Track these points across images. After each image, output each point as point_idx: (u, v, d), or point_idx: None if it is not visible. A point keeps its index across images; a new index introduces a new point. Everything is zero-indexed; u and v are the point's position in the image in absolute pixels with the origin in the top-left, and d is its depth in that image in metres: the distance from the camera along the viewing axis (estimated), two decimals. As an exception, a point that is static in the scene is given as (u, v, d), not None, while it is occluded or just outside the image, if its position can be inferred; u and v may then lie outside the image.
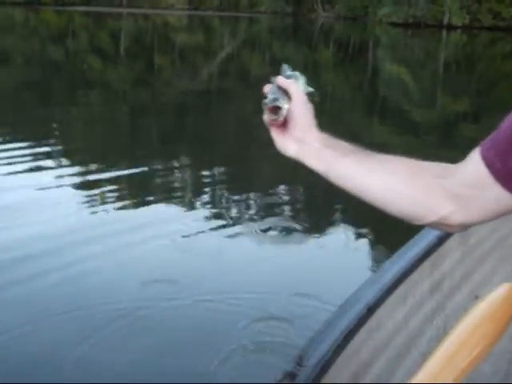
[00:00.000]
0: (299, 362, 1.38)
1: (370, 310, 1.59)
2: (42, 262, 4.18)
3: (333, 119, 11.04)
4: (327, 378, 1.36)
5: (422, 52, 28.76)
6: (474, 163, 0.89)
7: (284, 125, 1.04)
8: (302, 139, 1.03)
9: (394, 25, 43.10)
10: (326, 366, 1.38)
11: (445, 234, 1.95)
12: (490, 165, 0.86)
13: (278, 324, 3.47)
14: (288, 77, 1.08)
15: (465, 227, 0.95)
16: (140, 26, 41.10)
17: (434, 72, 20.75)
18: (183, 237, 4.90)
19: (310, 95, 1.08)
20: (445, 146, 8.01)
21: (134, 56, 22.44)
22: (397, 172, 0.97)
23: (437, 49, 31.16)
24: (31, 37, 29.18)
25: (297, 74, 1.10)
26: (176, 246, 4.68)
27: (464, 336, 1.28)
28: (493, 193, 0.87)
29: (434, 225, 0.96)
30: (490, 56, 27.15)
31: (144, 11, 52.00)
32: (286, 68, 1.11)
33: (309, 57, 23.60)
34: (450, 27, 42.64)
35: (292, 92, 1.04)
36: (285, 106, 1.03)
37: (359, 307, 1.56)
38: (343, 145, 1.03)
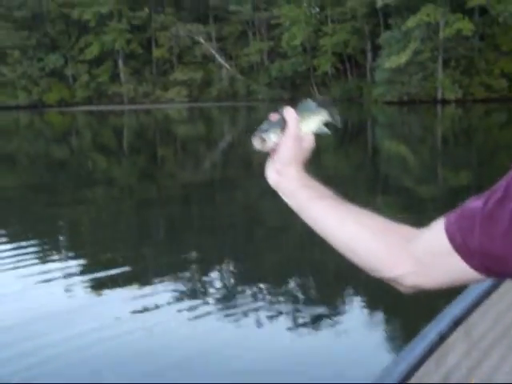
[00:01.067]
0: None
1: None
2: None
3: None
4: None
5: (419, 128, 29.26)
6: (438, 233, 0.92)
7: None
8: (281, 173, 1.06)
9: (390, 103, 44.08)
10: None
11: (447, 330, 1.96)
12: (451, 238, 0.90)
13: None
14: (302, 112, 1.08)
15: (417, 289, 0.98)
16: (142, 122, 42.12)
17: (433, 146, 21.04)
18: (196, 329, 4.85)
19: (321, 134, 1.10)
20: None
21: (136, 150, 22.88)
22: (366, 225, 1.00)
23: (433, 124, 31.72)
24: (36, 138, 29.89)
25: (314, 110, 1.10)
26: (194, 339, 4.63)
27: None
28: (451, 263, 0.91)
29: (388, 281, 0.99)
30: (487, 127, 27.59)
31: (145, 107, 53.47)
32: (304, 103, 1.11)
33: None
34: (444, 102, 43.58)
35: (288, 127, 1.05)
36: (271, 138, 1.04)
37: None
38: (320, 188, 1.06)
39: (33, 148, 24.92)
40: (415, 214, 9.73)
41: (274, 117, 1.08)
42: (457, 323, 2.02)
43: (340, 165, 16.98)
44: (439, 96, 44.69)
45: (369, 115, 39.35)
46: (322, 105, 1.12)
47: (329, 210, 1.03)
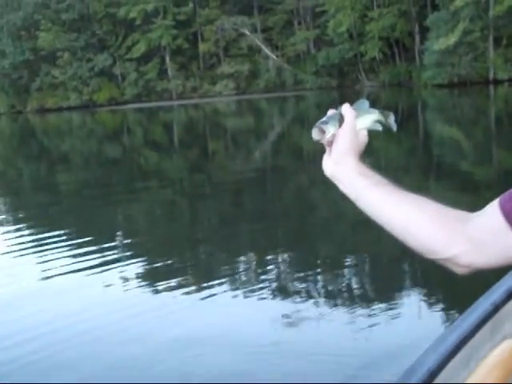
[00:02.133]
0: None
1: (432, 375, 1.61)
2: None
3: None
4: None
5: (471, 110, 28.60)
6: (493, 212, 0.96)
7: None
8: (338, 163, 1.12)
9: (440, 86, 43.21)
10: None
11: (500, 301, 1.96)
12: (507, 215, 0.93)
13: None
14: (358, 110, 1.17)
15: (472, 269, 1.02)
16: (191, 116, 42.51)
17: (487, 128, 20.54)
18: (250, 320, 4.89)
19: (374, 130, 1.19)
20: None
21: (187, 145, 23.12)
22: (422, 209, 1.05)
23: (486, 105, 30.95)
24: (89, 137, 30.53)
25: (368, 109, 1.19)
26: (247, 331, 4.68)
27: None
28: (507, 240, 0.94)
29: (444, 261, 1.03)
30: (543, 106, 26.75)
31: (194, 101, 53.91)
32: (360, 102, 1.20)
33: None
34: (497, 82, 42.42)
35: (346, 120, 1.13)
36: (330, 130, 1.13)
37: (422, 373, 1.60)
38: (376, 176, 1.12)
39: (86, 147, 25.47)
40: (471, 196, 9.55)
41: (331, 111, 1.16)
42: (511, 294, 2.00)
43: (392, 150, 16.76)
44: (491, 76, 43.52)
45: (419, 99, 38.67)
46: (378, 109, 1.22)
47: (385, 196, 1.08)
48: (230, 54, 59.29)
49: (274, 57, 57.88)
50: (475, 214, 1.02)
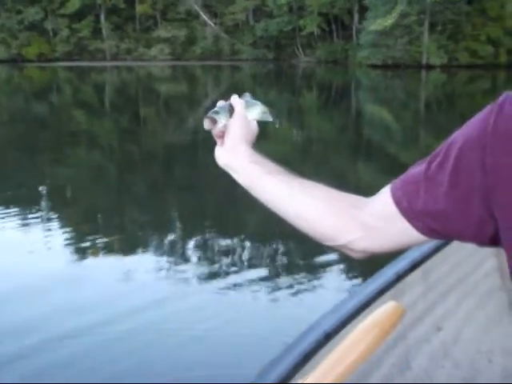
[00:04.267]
0: (258, 377, 1.51)
1: (328, 336, 1.67)
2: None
3: (319, 161, 11.13)
4: None
5: (402, 92, 29.22)
6: (385, 199, 0.98)
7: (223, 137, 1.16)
8: (232, 151, 1.14)
9: (374, 67, 43.89)
10: (284, 381, 1.48)
11: (404, 270, 2.04)
12: (397, 202, 0.96)
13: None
14: (246, 102, 1.20)
15: (367, 254, 1.04)
16: (124, 79, 41.57)
17: (416, 112, 21.05)
18: (177, 292, 4.85)
19: (265, 122, 1.21)
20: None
21: (118, 108, 22.63)
22: (315, 196, 1.05)
23: (417, 89, 31.69)
24: (15, 93, 29.39)
25: (254, 102, 1.22)
26: (170, 302, 4.64)
27: (350, 342, 1.57)
28: (398, 226, 0.96)
29: (340, 247, 1.05)
30: (470, 93, 27.61)
31: (127, 64, 52.71)
32: (246, 95, 1.23)
33: (292, 101, 23.90)
34: (429, 67, 43.46)
35: (236, 110, 1.16)
36: (221, 120, 1.15)
37: (318, 333, 1.66)
38: (270, 164, 1.13)
39: (11, 103, 24.52)
40: (395, 177, 9.76)
41: (221, 102, 1.19)
42: (415, 266, 2.08)
43: (323, 127, 16.94)
44: (424, 61, 44.53)
45: (353, 78, 39.19)
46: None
47: (279, 183, 1.09)
48: (168, 17, 58.16)
49: (212, 24, 57.18)
50: (369, 199, 1.03)
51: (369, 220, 1.00)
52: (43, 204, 8.34)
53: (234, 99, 1.19)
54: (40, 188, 9.23)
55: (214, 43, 56.80)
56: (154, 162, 11.47)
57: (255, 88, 31.88)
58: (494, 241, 0.91)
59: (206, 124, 1.15)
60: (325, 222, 1.04)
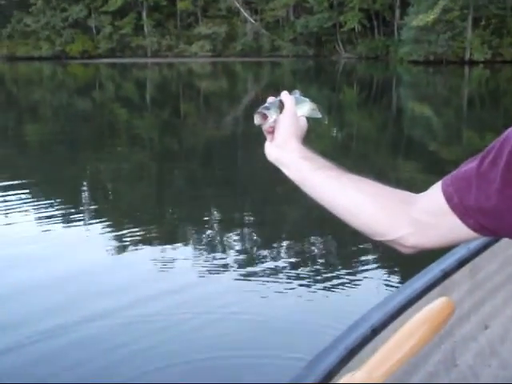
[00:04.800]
0: (304, 371, 1.52)
1: (375, 331, 1.68)
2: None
3: (359, 158, 11.07)
4: None
5: (444, 89, 28.78)
6: (436, 195, 0.99)
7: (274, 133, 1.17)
8: (282, 147, 1.15)
9: (416, 63, 43.33)
10: (328, 377, 1.49)
11: (451, 268, 2.02)
12: (448, 198, 0.96)
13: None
14: (296, 98, 1.21)
15: (417, 250, 1.04)
16: (165, 75, 41.96)
17: (459, 108, 20.72)
18: (212, 283, 4.92)
19: (314, 119, 1.23)
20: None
21: (159, 104, 22.85)
22: (366, 192, 1.06)
23: (460, 85, 31.17)
24: (59, 90, 29.96)
25: (304, 98, 1.23)
26: (209, 296, 4.70)
27: (398, 337, 1.58)
28: (449, 223, 0.97)
29: (390, 243, 1.06)
30: (515, 90, 27.05)
31: (168, 60, 53.17)
32: (296, 91, 1.24)
33: (333, 97, 23.78)
34: (472, 63, 42.71)
35: (286, 106, 1.17)
36: (272, 115, 1.16)
37: (365, 328, 1.66)
38: (320, 159, 1.14)
39: (56, 99, 25.00)
40: (437, 175, 9.64)
41: (271, 99, 1.19)
42: (462, 263, 2.06)
43: (363, 123, 16.83)
44: (467, 56, 43.79)
45: (394, 74, 38.76)
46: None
47: (330, 179, 1.10)
48: (208, 14, 58.44)
49: (253, 21, 57.22)
50: (419, 195, 1.05)
51: (419, 216, 1.01)
52: (85, 198, 8.51)
53: (285, 95, 1.19)
54: (82, 182, 9.41)
55: (255, 39, 56.84)
56: (194, 157, 11.57)
57: (295, 84, 31.80)
58: None
59: (257, 119, 1.16)
60: (375, 217, 1.05)
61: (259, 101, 1.19)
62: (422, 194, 1.04)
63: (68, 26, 59.21)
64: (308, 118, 1.22)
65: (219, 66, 48.49)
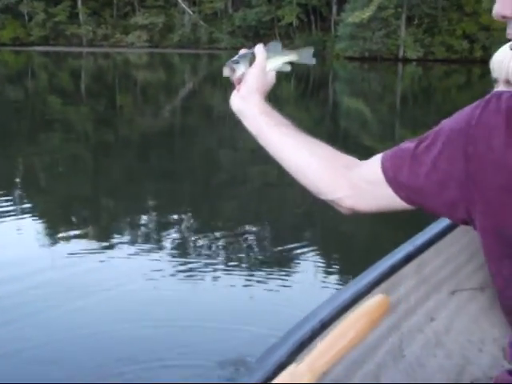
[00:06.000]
0: (257, 363, 1.57)
1: (324, 325, 1.73)
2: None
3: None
4: (280, 379, 1.52)
5: (379, 85, 29.39)
6: (375, 165, 1.10)
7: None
8: (246, 99, 1.21)
9: (351, 59, 44.04)
10: (279, 369, 1.54)
11: (398, 263, 2.10)
12: (385, 171, 1.08)
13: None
14: (269, 51, 1.24)
15: (355, 212, 1.15)
16: (100, 65, 41.13)
17: (392, 104, 21.22)
18: (148, 279, 4.89)
19: (282, 71, 1.29)
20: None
21: (94, 94, 22.43)
22: (315, 152, 1.16)
23: (393, 82, 31.89)
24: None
25: (278, 52, 1.26)
26: (142, 288, 4.67)
27: (341, 330, 1.68)
28: (384, 192, 1.08)
29: (331, 202, 1.17)
30: (446, 88, 27.89)
31: (104, 50, 52.11)
32: (272, 43, 1.27)
33: (270, 90, 23.87)
34: (405, 60, 43.74)
35: (256, 61, 1.22)
36: (240, 69, 1.21)
37: (314, 322, 1.71)
38: (279, 116, 1.22)
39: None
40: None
41: (244, 51, 1.24)
42: (409, 259, 2.15)
43: (300, 117, 16.99)
44: (401, 54, 44.81)
45: (330, 69, 39.27)
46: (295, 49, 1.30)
47: (285, 136, 1.18)
48: (146, 4, 57.57)
49: (191, 12, 56.77)
50: (361, 162, 1.15)
51: (358, 181, 1.11)
52: (15, 192, 8.27)
53: (258, 49, 1.23)
54: (12, 174, 9.15)
55: (192, 31, 56.42)
56: (130, 149, 11.44)
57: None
58: (465, 222, 1.04)
59: (226, 71, 1.21)
60: (319, 177, 1.14)
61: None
62: (363, 161, 1.15)
63: (-2, 12, 57.22)
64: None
65: (156, 57, 47.91)
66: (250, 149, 10.99)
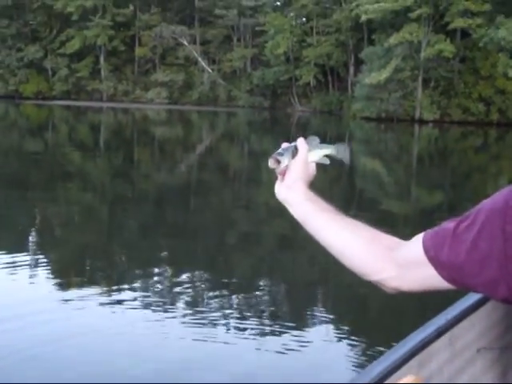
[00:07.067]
0: None
1: None
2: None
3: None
4: None
5: (395, 146, 29.52)
6: (417, 245, 1.13)
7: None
8: (291, 188, 1.29)
9: (368, 119, 44.43)
10: None
11: (430, 337, 2.04)
12: (426, 251, 1.11)
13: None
14: (310, 145, 1.35)
15: (398, 291, 1.18)
16: (120, 120, 41.85)
17: (408, 165, 21.23)
18: (159, 334, 4.79)
19: (323, 164, 1.39)
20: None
21: (113, 149, 22.71)
22: (359, 236, 1.21)
23: (410, 142, 32.03)
24: (11, 130, 29.48)
25: (318, 145, 1.37)
26: (155, 344, 4.57)
27: None
28: (426, 272, 1.11)
29: (375, 282, 1.20)
30: (462, 149, 27.94)
31: (124, 105, 53.11)
32: (313, 138, 1.38)
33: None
34: (422, 121, 44.05)
35: (299, 153, 1.31)
36: (284, 161, 1.30)
37: None
38: (322, 202, 1.30)
39: (6, 139, 24.56)
40: (387, 227, 9.77)
41: (285, 144, 1.33)
42: (441, 333, 2.11)
43: (317, 176, 17.02)
44: (417, 115, 45.15)
45: (347, 129, 39.62)
46: (332, 143, 1.42)
47: (329, 221, 1.24)
48: (166, 62, 58.95)
49: (210, 70, 57.97)
50: (404, 243, 1.18)
51: (400, 262, 1.15)
52: (32, 241, 8.27)
53: (300, 142, 1.33)
54: (30, 224, 9.18)
55: (211, 89, 57.47)
56: (145, 203, 11.46)
57: (250, 135, 32.16)
58: (506, 301, 1.06)
59: (271, 163, 1.30)
60: (364, 259, 1.19)
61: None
62: (406, 242, 1.18)
63: (23, 66, 58.77)
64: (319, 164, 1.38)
65: (175, 114, 48.69)
66: (265, 207, 10.97)
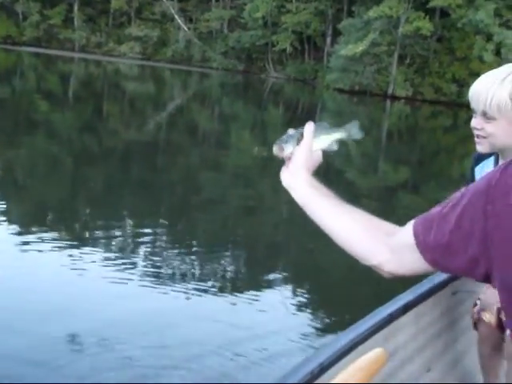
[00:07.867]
0: None
1: (323, 369, 1.75)
2: None
3: (277, 179, 11.15)
4: None
5: (366, 119, 29.62)
6: (408, 231, 1.18)
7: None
8: (294, 174, 1.34)
9: (341, 91, 44.40)
10: None
11: (397, 312, 2.13)
12: (416, 236, 1.15)
13: None
14: (317, 131, 1.36)
15: (394, 275, 1.22)
16: (91, 72, 41.04)
17: (378, 140, 21.34)
18: (119, 293, 4.76)
19: (329, 151, 1.40)
20: (383, 212, 8.13)
21: (81, 101, 22.28)
22: (358, 221, 1.26)
23: (381, 117, 32.18)
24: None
25: (325, 131, 1.39)
26: (113, 303, 4.54)
27: (339, 378, 1.65)
28: (415, 256, 1.16)
29: (372, 267, 1.24)
30: (431, 128, 28.18)
31: (96, 57, 52.04)
32: (321, 124, 1.40)
33: (257, 115, 23.95)
34: (394, 97, 44.20)
35: (304, 141, 1.34)
36: (288, 148, 1.32)
37: (313, 366, 1.73)
38: (324, 189, 1.34)
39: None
40: (350, 200, 9.83)
41: (291, 131, 1.35)
42: (407, 308, 2.18)
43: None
44: (390, 91, 45.25)
45: (319, 99, 39.59)
46: (340, 126, 1.42)
47: (329, 207, 1.29)
48: (142, 16, 57.71)
49: (186, 29, 57.00)
50: (399, 228, 1.23)
51: (395, 247, 1.20)
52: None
53: (307, 129, 1.35)
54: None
55: (186, 48, 56.57)
56: (112, 159, 11.31)
57: (222, 97, 31.88)
58: (484, 278, 1.10)
59: (275, 150, 1.33)
60: (362, 245, 1.24)
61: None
62: (402, 227, 1.22)
63: (-8, 9, 56.93)
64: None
65: (147, 70, 47.95)
66: (231, 170, 10.92)
